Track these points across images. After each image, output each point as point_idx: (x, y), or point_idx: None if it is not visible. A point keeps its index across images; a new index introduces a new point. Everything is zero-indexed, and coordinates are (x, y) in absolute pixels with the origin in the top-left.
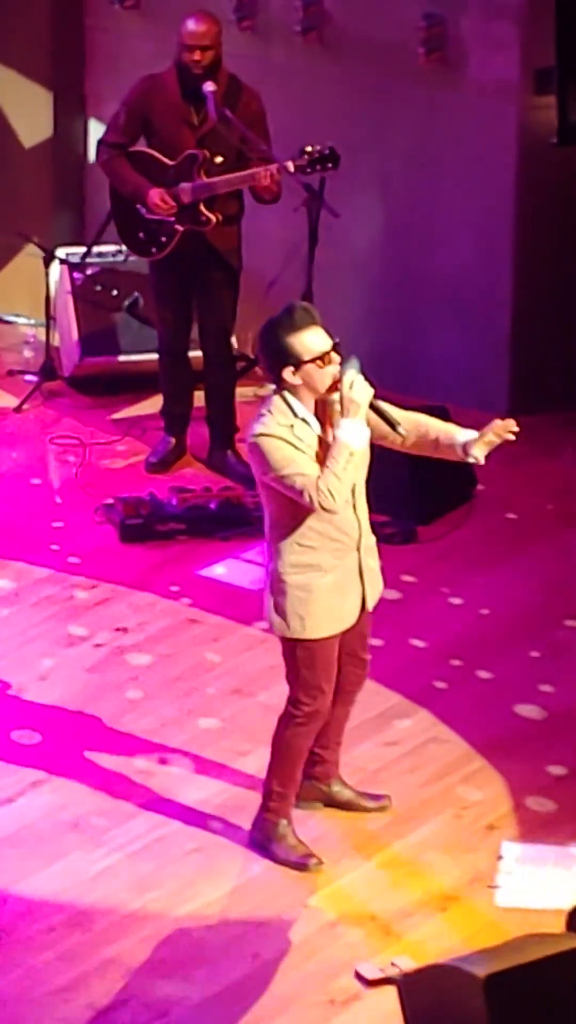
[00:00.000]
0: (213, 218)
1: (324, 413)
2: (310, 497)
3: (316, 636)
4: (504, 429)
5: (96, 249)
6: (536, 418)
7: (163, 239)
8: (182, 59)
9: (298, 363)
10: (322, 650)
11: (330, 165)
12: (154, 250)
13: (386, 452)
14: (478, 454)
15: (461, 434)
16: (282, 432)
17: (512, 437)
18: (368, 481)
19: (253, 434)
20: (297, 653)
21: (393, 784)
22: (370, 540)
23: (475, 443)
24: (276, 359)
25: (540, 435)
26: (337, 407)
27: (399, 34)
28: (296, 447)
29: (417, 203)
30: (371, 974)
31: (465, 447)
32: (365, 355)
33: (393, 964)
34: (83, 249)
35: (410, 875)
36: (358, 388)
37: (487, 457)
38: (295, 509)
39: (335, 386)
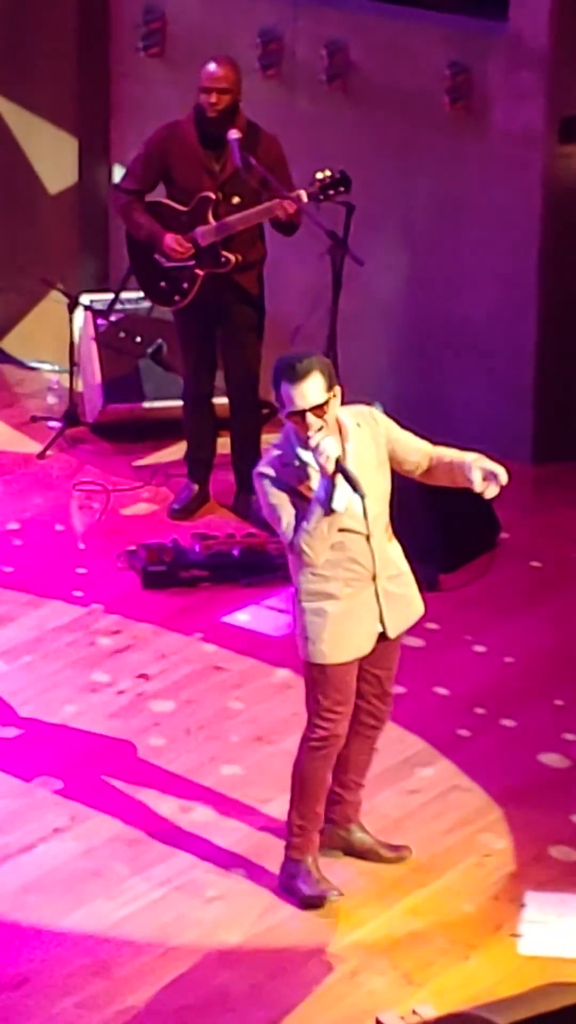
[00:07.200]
0: (233, 259)
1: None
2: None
3: (326, 662)
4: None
5: (121, 295)
6: (560, 465)
7: (185, 285)
8: (199, 101)
9: (281, 408)
10: (334, 675)
11: (342, 189)
12: (177, 298)
13: (408, 500)
14: (475, 478)
15: (468, 456)
16: (278, 472)
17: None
18: (392, 526)
19: (255, 468)
20: (312, 674)
21: (415, 832)
22: (392, 570)
23: (472, 466)
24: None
25: (564, 482)
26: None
27: (424, 83)
28: (294, 487)
29: (441, 251)
30: (392, 1023)
31: (465, 468)
32: (389, 401)
33: (415, 1012)
34: (107, 296)
35: (432, 923)
36: (325, 447)
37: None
38: None
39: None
